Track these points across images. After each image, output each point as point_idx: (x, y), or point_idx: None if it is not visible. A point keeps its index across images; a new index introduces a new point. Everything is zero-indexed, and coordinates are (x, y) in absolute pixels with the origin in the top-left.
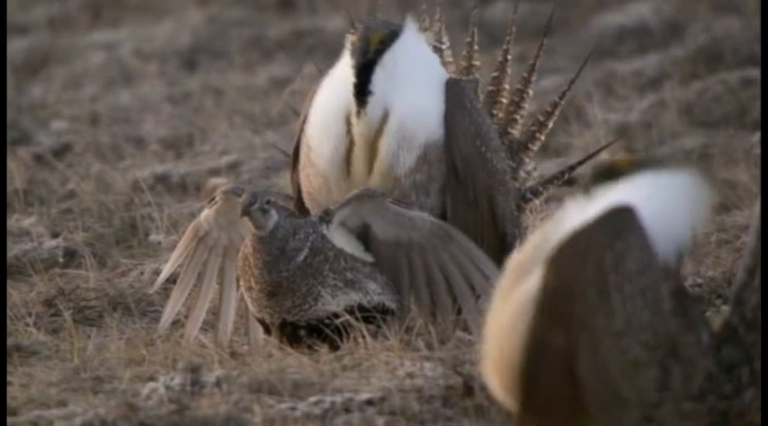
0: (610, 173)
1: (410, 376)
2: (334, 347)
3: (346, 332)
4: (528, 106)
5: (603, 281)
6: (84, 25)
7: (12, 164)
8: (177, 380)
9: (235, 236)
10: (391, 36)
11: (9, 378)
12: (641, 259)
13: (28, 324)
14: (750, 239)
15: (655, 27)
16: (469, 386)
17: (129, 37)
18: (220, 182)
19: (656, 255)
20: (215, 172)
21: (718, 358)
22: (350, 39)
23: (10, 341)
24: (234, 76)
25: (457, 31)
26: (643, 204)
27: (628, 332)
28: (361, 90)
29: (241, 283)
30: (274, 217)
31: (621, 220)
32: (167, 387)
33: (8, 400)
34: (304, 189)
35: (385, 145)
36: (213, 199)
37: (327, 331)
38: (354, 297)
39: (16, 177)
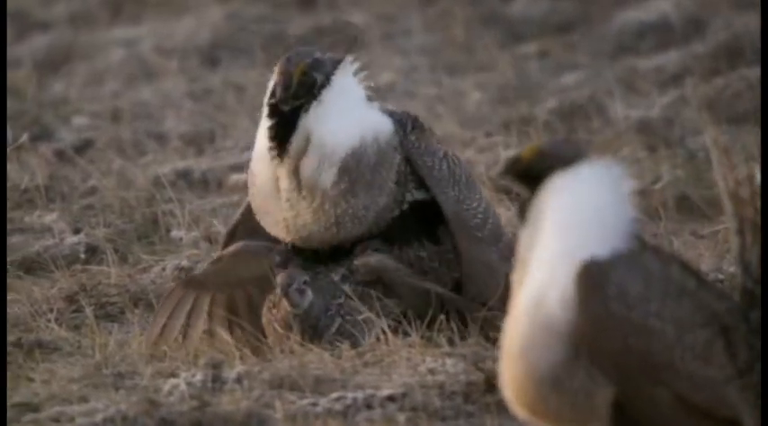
0: (515, 165)
1: (431, 372)
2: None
3: (368, 328)
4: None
5: (626, 317)
6: (105, 21)
7: (33, 161)
8: (198, 376)
9: (231, 281)
10: (314, 65)
11: (31, 374)
12: (637, 273)
13: (50, 321)
14: (727, 204)
15: (676, 23)
16: (491, 383)
17: (149, 33)
18: (241, 178)
19: (643, 260)
20: (236, 168)
21: (750, 325)
22: (273, 73)
23: (32, 337)
24: (255, 72)
25: (478, 28)
26: (573, 208)
27: (682, 331)
28: (279, 152)
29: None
30: (310, 296)
31: (596, 273)
32: (188, 384)
33: (30, 396)
34: (253, 207)
35: (307, 165)
36: (219, 259)
37: (349, 327)
38: (382, 325)
39: (38, 173)
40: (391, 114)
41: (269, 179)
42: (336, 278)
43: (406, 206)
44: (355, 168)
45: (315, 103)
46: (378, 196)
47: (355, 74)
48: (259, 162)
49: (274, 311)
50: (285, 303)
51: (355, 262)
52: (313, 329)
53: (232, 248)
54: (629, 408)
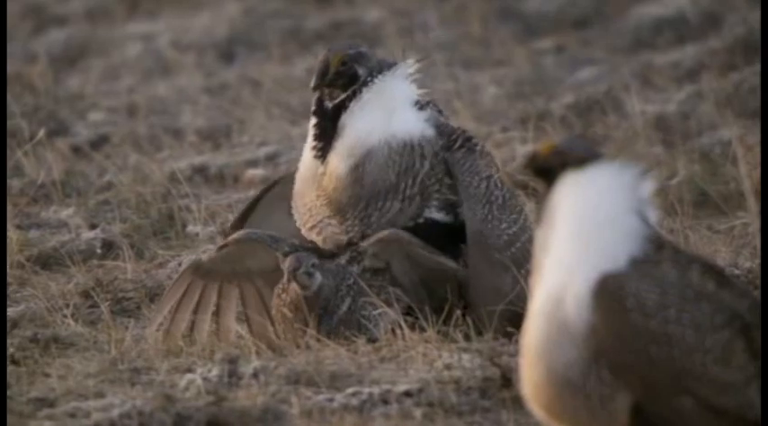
0: (533, 160)
1: (448, 367)
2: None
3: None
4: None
5: (646, 327)
6: (121, 16)
7: (50, 156)
8: (215, 372)
9: (238, 270)
10: (356, 57)
11: (47, 370)
12: (653, 279)
13: (66, 316)
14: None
15: (692, 18)
16: (507, 378)
17: (166, 28)
18: (257, 174)
19: (659, 265)
20: (253, 163)
21: None
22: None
23: (48, 332)
24: (271, 68)
25: (494, 23)
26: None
27: (702, 335)
28: (321, 153)
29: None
30: (319, 278)
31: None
32: (205, 379)
33: (46, 391)
34: (294, 192)
35: (334, 153)
36: (225, 245)
37: (365, 322)
38: (393, 315)
39: (54, 168)
40: (441, 127)
41: (311, 166)
42: (343, 261)
43: (421, 220)
44: (367, 165)
45: (355, 101)
46: (387, 199)
47: (408, 79)
48: (307, 149)
49: (284, 296)
50: (294, 286)
51: (363, 244)
52: (323, 310)
53: (236, 235)
54: (652, 416)
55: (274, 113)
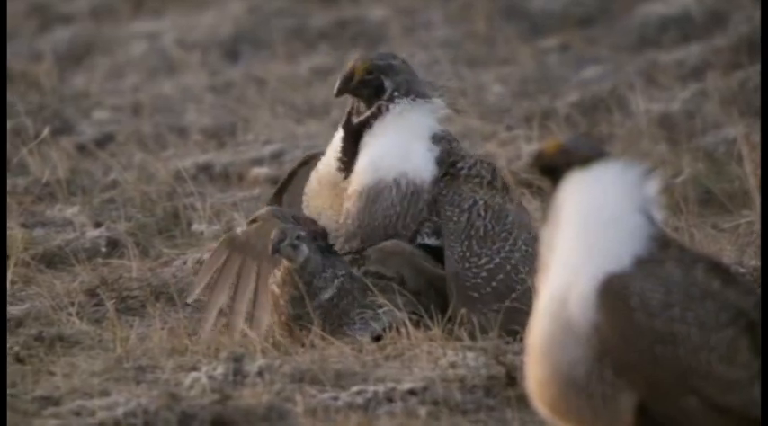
0: (538, 158)
1: (453, 365)
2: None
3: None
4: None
5: (651, 326)
6: (126, 15)
7: (54, 154)
8: (220, 370)
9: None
10: (385, 69)
11: (52, 368)
12: (658, 279)
13: (71, 314)
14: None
15: (697, 17)
16: (512, 376)
17: (171, 27)
18: (262, 172)
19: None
20: (257, 161)
21: None
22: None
23: (53, 330)
24: (276, 66)
25: (499, 21)
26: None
27: (707, 333)
28: (345, 171)
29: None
30: (305, 251)
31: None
32: (210, 377)
33: (51, 389)
34: (308, 187)
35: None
36: (254, 220)
37: (348, 321)
38: (384, 322)
39: (59, 167)
40: (441, 160)
41: (332, 175)
42: (345, 259)
43: (414, 246)
44: (375, 202)
45: (378, 121)
46: (386, 234)
47: (434, 116)
48: (331, 154)
49: (276, 272)
50: (285, 262)
51: (368, 250)
52: (308, 286)
53: (264, 210)
54: (658, 416)
55: (279, 112)
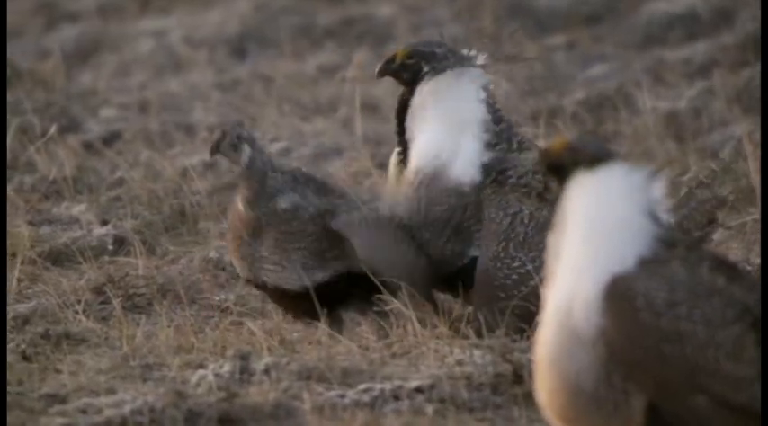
0: (546, 157)
1: (459, 363)
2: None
3: (396, 318)
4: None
5: (657, 325)
6: (133, 13)
7: (61, 152)
8: (226, 368)
9: None
10: (426, 55)
11: (58, 366)
12: (663, 278)
13: (77, 312)
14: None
15: (704, 14)
16: (519, 374)
17: (178, 24)
18: None
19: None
20: None
21: None
22: None
23: (59, 328)
24: (283, 64)
25: (506, 19)
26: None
27: (713, 330)
28: (403, 161)
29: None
30: (247, 150)
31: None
32: (216, 375)
33: (57, 387)
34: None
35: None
36: None
37: (375, 316)
38: (341, 266)
39: (66, 165)
40: (489, 166)
41: (395, 166)
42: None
43: (467, 260)
44: (424, 196)
45: (416, 97)
46: (433, 232)
47: (481, 102)
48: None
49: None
50: (237, 205)
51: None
52: (261, 186)
53: None
54: (667, 416)
55: (286, 109)
